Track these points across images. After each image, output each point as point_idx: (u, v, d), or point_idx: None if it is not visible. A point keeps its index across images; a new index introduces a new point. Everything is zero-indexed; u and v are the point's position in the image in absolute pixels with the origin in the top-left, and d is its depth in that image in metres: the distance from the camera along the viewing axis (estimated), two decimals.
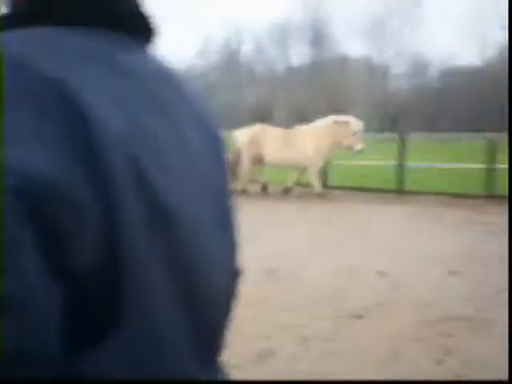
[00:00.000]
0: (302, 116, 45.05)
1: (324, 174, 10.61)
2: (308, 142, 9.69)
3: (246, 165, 10.02)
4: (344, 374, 2.90)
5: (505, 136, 13.92)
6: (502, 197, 8.96)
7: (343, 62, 53.59)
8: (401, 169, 10.16)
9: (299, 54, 56.99)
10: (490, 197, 9.12)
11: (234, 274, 0.67)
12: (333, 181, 10.93)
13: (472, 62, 49.56)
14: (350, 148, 9.72)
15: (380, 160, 11.48)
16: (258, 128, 10.25)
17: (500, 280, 4.59)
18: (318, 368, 2.98)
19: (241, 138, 10.10)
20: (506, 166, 10.06)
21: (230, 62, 60.07)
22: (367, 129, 10.68)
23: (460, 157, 12.94)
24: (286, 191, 10.07)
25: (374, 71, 54.70)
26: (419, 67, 52.48)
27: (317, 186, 9.84)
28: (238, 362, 3.07)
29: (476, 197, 9.20)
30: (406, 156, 10.39)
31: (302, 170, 10.07)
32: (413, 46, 53.12)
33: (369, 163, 12.55)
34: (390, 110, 41.36)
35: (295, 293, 4.26)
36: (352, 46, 67.31)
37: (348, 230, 6.82)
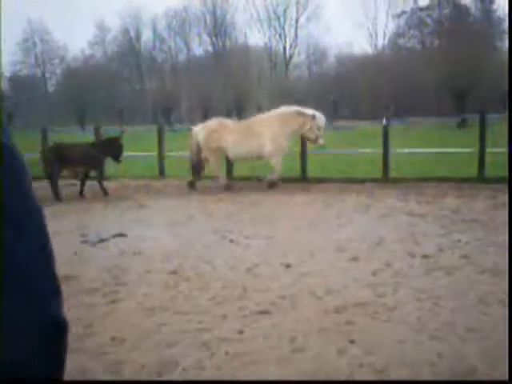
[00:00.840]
0: (207, 106, 44.75)
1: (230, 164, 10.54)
2: (266, 133, 9.41)
3: (213, 163, 9.70)
4: (249, 377, 2.83)
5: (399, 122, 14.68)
6: (395, 180, 9.44)
7: (245, 51, 53.89)
8: (303, 157, 10.34)
9: (201, 44, 56.33)
10: (386, 180, 9.55)
11: (50, 331, 0.51)
12: (235, 171, 10.89)
13: (365, 49, 51.88)
14: (313, 142, 9.57)
15: None
16: (215, 122, 9.92)
17: (398, 263, 4.78)
18: (224, 374, 2.89)
19: (199, 134, 9.73)
20: (402, 150, 10.59)
21: (130, 51, 58.13)
22: None
23: (360, 142, 13.47)
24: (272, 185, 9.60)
25: (276, 60, 55.62)
26: (317, 55, 54.13)
27: (278, 172, 9.61)
28: (138, 375, 2.90)
29: (374, 181, 9.60)
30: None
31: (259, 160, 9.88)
32: (310, 34, 54.49)
33: None
34: (293, 97, 42.25)
35: (199, 294, 4.14)
36: (253, 35, 67.83)
37: (253, 223, 6.80)
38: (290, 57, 55.20)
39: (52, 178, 8.93)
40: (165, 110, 46.66)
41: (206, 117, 46.23)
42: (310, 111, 9.49)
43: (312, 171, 10.45)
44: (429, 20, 46.75)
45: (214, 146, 9.53)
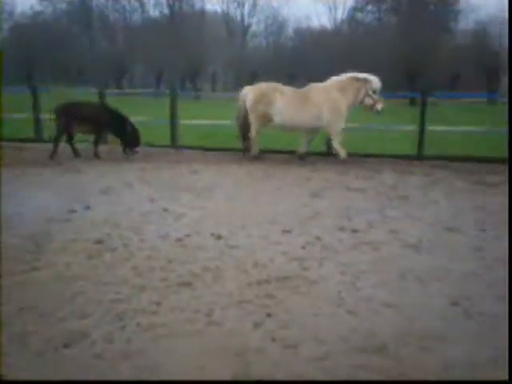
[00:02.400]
0: (160, 70, 43.53)
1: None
2: (325, 102, 8.76)
3: (254, 127, 9.03)
4: (158, 350, 2.77)
5: None
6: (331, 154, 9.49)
7: (201, 16, 52.46)
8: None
9: (156, 5, 54.31)
10: (330, 154, 9.57)
11: None
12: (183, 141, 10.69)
13: (323, 24, 51.63)
14: (370, 108, 8.89)
15: (227, 119, 11.37)
16: (268, 85, 9.13)
17: (328, 238, 4.79)
18: (133, 347, 2.80)
19: (249, 96, 8.98)
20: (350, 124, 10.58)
21: (80, 8, 55.43)
22: (226, 88, 10.41)
23: None
24: (301, 158, 9.25)
25: (233, 28, 54.53)
26: (275, 26, 53.41)
27: (341, 151, 9.01)
28: (44, 347, 2.78)
29: (318, 154, 9.61)
30: None
31: (315, 132, 9.29)
32: (269, 4, 53.62)
33: (216, 122, 12.54)
34: (248, 67, 41.65)
35: (121, 264, 4.01)
36: (211, 0, 65.86)
37: (190, 192, 6.67)
38: (248, 26, 54.26)
39: (56, 136, 9.06)
40: (116, 72, 45.12)
41: (159, 81, 45.06)
42: (362, 75, 8.86)
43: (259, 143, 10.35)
44: None
45: (261, 110, 8.86)
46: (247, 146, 9.38)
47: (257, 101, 8.84)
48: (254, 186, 7.13)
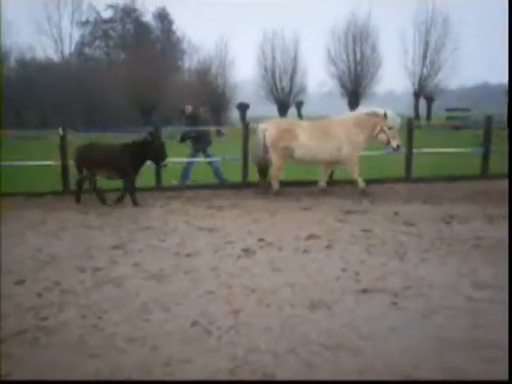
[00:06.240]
0: None
1: None
2: (345, 136, 8.75)
3: (277, 164, 8.84)
4: None
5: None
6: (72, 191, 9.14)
7: None
8: None
9: None
10: (66, 192, 9.16)
11: None
12: None
13: (49, 56, 49.27)
14: (385, 143, 8.87)
15: None
16: (287, 120, 9.26)
17: (68, 281, 4.56)
18: None
19: (269, 131, 8.76)
20: None
21: None
22: None
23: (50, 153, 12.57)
24: (323, 191, 9.23)
25: None
26: None
27: (360, 182, 8.97)
28: None
29: (54, 193, 9.09)
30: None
31: (333, 166, 9.35)
32: None
33: None
34: None
35: None
36: None
37: None
38: None
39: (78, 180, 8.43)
40: None
41: None
42: (381, 110, 8.88)
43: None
44: (113, 33, 47.51)
45: (284, 145, 8.69)
46: (265, 182, 9.22)
47: (280, 137, 8.74)
48: None
